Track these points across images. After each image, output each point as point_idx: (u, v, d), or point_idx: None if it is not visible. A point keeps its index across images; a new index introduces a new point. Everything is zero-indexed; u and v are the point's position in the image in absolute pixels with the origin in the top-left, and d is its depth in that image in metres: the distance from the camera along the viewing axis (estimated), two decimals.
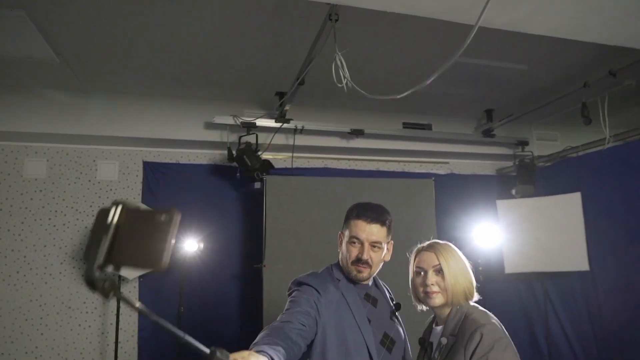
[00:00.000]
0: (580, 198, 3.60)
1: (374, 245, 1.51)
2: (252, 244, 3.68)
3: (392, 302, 1.68)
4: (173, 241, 0.61)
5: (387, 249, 1.59)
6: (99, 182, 3.78)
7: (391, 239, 1.60)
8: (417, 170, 4.44)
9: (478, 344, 1.32)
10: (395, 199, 3.66)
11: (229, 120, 3.56)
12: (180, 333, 0.72)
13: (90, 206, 3.71)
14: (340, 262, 1.60)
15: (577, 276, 3.72)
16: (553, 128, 4.60)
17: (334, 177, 3.88)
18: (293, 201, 3.54)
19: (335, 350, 1.43)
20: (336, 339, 1.44)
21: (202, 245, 3.47)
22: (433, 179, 3.88)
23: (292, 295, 1.48)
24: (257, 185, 3.54)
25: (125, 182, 3.83)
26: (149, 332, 3.63)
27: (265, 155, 3.62)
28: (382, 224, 1.52)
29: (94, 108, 3.55)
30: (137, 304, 0.67)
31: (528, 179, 4.19)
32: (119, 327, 3.41)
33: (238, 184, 3.84)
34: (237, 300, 3.78)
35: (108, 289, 0.62)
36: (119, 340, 3.42)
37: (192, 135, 3.73)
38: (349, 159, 4.30)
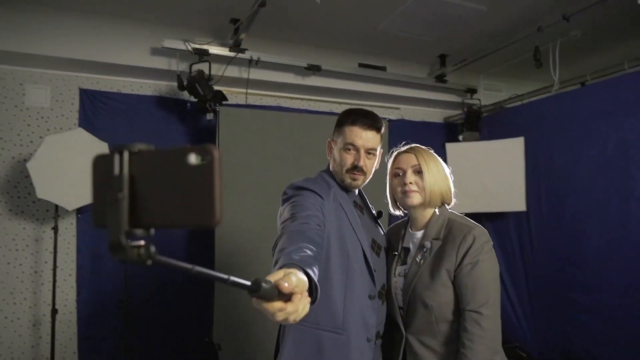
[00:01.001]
0: (523, 143, 3.81)
1: (369, 152, 1.48)
2: None
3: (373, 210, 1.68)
4: (220, 186, 0.48)
5: (378, 156, 1.56)
6: (27, 109, 3.39)
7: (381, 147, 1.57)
8: None
9: (471, 246, 1.35)
10: None
11: (180, 45, 3.30)
12: (224, 275, 0.61)
13: (18, 135, 3.34)
14: (332, 170, 1.56)
15: (513, 217, 3.99)
16: (499, 79, 4.76)
17: (292, 112, 3.78)
18: (248, 135, 3.42)
19: (338, 254, 1.41)
20: (338, 243, 1.42)
21: None
22: (388, 120, 3.89)
23: (293, 200, 1.39)
24: (210, 116, 3.36)
25: (59, 110, 3.47)
26: (88, 270, 3.42)
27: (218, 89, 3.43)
28: (378, 130, 1.49)
29: (20, 21, 3.13)
30: (190, 266, 0.56)
31: (474, 125, 4.35)
32: (56, 266, 3.18)
33: (188, 116, 3.63)
34: (186, 236, 3.65)
35: (144, 255, 0.50)
36: (56, 279, 3.19)
37: (136, 60, 3.42)
38: (302, 99, 4.20)
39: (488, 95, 4.61)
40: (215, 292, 3.31)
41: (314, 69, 3.74)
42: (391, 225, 1.71)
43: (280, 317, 0.73)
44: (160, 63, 3.46)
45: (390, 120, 4.03)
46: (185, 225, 0.50)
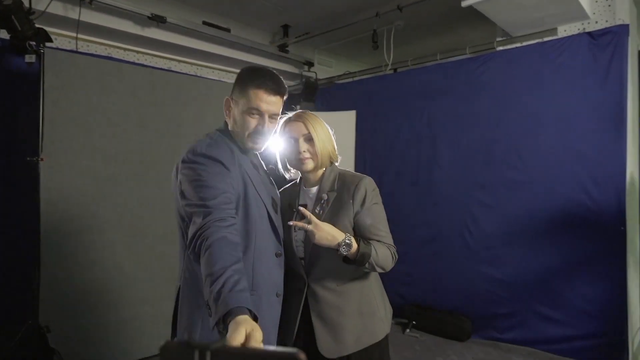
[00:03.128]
0: (355, 115, 4.29)
1: (272, 116, 1.45)
2: (24, 133, 2.92)
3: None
4: None
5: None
6: None
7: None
8: (211, 77, 4.31)
9: (366, 192, 1.52)
10: (199, 99, 3.51)
11: None
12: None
13: None
14: (231, 130, 1.49)
15: None
16: (331, 56, 5.17)
17: (135, 66, 3.39)
18: (82, 86, 2.94)
19: (246, 220, 1.39)
20: (244, 211, 1.39)
21: None
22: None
23: (199, 175, 1.31)
24: (30, 59, 2.78)
25: None
26: None
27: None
28: (282, 95, 1.47)
29: None
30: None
31: (311, 97, 4.66)
32: None
33: None
34: (2, 202, 2.99)
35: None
36: None
37: None
38: (138, 52, 3.81)
39: (322, 69, 4.97)
40: (41, 269, 2.84)
41: (157, 20, 3.43)
42: (283, 188, 1.77)
43: None
44: None
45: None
46: None
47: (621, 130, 2.98)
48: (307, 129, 1.54)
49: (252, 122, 1.43)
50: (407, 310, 3.92)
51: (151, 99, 3.24)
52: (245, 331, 0.88)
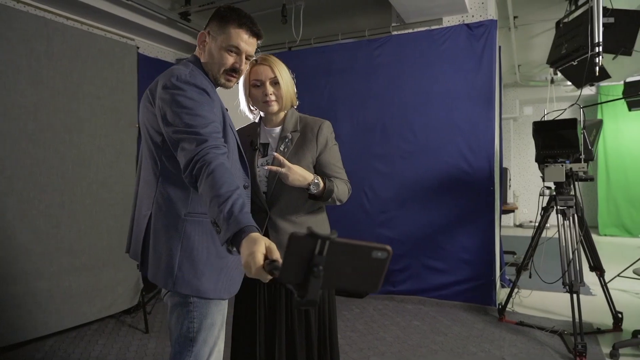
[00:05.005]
0: None
1: (247, 57, 1.49)
2: None
3: None
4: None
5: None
6: None
7: None
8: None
9: (328, 135, 1.69)
10: (100, 57, 3.26)
11: None
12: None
13: None
14: (204, 64, 1.48)
15: None
16: None
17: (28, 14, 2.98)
18: None
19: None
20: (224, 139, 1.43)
21: None
22: (137, 47, 3.63)
23: (183, 95, 1.31)
24: None
25: None
26: None
27: None
28: (260, 38, 1.51)
29: None
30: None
31: None
32: None
33: None
34: None
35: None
36: None
37: None
38: (27, 4, 3.36)
39: None
40: None
41: None
42: (241, 127, 1.82)
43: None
44: None
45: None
46: (353, 291, 0.75)
47: (491, 107, 3.59)
48: (274, 72, 1.62)
49: (230, 59, 1.45)
50: None
51: (47, 51, 2.92)
52: (265, 244, 0.96)
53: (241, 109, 1.76)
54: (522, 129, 8.97)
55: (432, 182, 3.79)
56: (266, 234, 1.65)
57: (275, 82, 1.63)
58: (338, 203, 1.67)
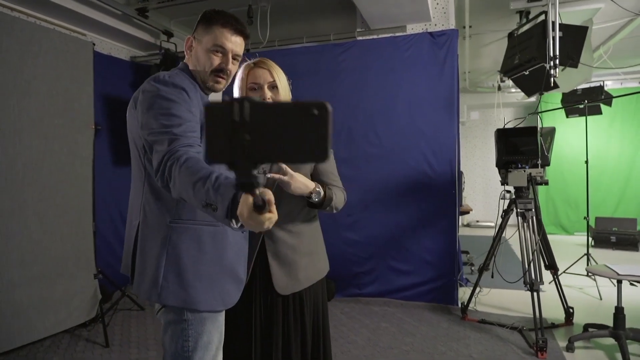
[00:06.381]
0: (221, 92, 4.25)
1: (235, 57, 1.45)
2: None
3: None
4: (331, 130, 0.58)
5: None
6: None
7: None
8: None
9: None
10: (52, 53, 3.04)
11: None
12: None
13: None
14: (192, 70, 1.44)
15: None
16: (187, 29, 4.97)
17: None
18: None
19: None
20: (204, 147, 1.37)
21: None
22: (93, 43, 3.41)
23: (159, 96, 1.26)
24: None
25: None
26: None
27: None
28: (246, 37, 1.48)
29: None
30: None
31: (171, 68, 4.42)
32: None
33: None
34: None
35: (271, 182, 0.61)
36: None
37: None
38: None
39: (180, 43, 4.75)
40: None
41: None
42: None
43: (267, 225, 0.91)
44: None
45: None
46: (303, 160, 0.66)
47: (453, 113, 3.73)
48: (273, 76, 1.58)
49: (216, 59, 1.42)
50: None
51: None
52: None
53: None
54: (469, 132, 9.39)
55: (396, 186, 3.87)
56: (262, 244, 1.61)
57: (273, 86, 1.59)
58: (334, 211, 1.65)
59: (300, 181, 1.51)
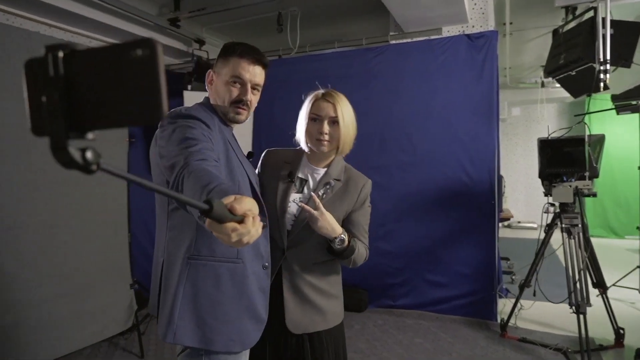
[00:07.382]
0: None
1: (255, 87, 1.44)
2: None
3: None
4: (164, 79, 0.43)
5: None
6: None
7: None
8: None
9: (367, 193, 1.60)
10: None
11: None
12: (175, 194, 0.58)
13: None
14: (213, 103, 1.44)
15: None
16: (219, 36, 4.98)
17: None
18: None
19: (227, 181, 1.32)
20: (227, 174, 1.33)
21: None
22: None
23: (177, 127, 1.22)
24: None
25: None
26: None
27: None
28: (265, 66, 1.46)
29: None
30: (127, 175, 0.51)
31: (203, 77, 4.43)
32: None
33: None
34: None
35: (93, 159, 0.44)
36: None
37: None
38: (4, 11, 3.16)
39: (212, 50, 4.76)
40: None
41: None
42: (274, 149, 1.72)
43: (234, 238, 0.77)
44: None
45: None
46: (131, 123, 0.48)
47: (492, 119, 3.54)
48: (336, 112, 1.51)
49: (234, 90, 1.41)
50: None
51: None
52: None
53: (297, 137, 1.64)
54: (510, 129, 9.03)
55: (431, 195, 3.73)
56: (279, 274, 1.55)
57: (334, 122, 1.52)
58: (350, 266, 1.58)
59: (329, 221, 1.44)
